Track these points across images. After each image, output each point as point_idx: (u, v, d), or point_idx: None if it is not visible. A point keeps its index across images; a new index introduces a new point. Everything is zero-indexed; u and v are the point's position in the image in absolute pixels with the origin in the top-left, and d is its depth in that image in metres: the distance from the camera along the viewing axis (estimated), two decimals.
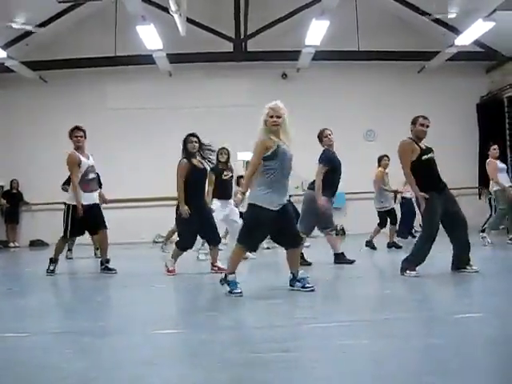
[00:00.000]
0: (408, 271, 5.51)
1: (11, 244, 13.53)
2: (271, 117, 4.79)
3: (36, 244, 13.40)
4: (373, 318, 3.82)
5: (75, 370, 2.75)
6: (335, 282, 5.99)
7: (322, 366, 2.73)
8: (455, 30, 12.94)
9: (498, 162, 8.92)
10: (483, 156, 10.89)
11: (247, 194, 4.93)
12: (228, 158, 8.20)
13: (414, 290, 5.05)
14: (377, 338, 3.22)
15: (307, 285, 4.87)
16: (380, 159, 9.33)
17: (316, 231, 7.23)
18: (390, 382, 2.45)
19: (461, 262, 5.61)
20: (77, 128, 6.86)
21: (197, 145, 6.51)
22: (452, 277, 5.42)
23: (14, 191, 13.74)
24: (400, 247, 8.93)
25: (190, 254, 7.76)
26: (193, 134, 6.56)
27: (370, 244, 9.09)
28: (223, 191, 8.03)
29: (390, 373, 2.56)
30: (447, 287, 5.08)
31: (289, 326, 3.62)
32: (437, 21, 12.98)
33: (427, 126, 5.71)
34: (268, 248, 9.49)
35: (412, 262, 5.58)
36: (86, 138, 6.91)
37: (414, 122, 5.75)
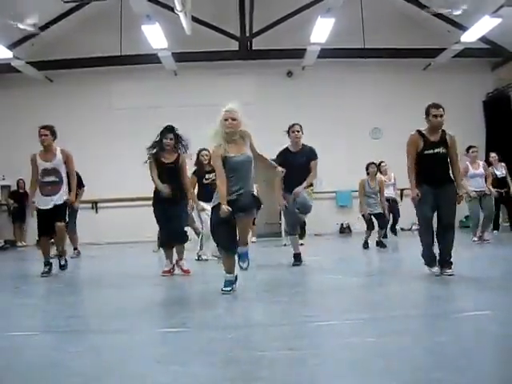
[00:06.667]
0: (428, 267, 5.49)
1: (19, 243, 13.60)
2: (226, 120, 4.76)
3: None
4: (379, 315, 3.81)
5: (82, 369, 2.75)
6: (341, 280, 5.97)
7: (327, 364, 2.73)
8: (461, 27, 12.88)
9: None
10: (490, 153, 10.83)
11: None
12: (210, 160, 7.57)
13: (420, 288, 5.04)
14: (383, 336, 3.21)
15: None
16: (367, 167, 9.13)
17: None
18: (396, 378, 2.44)
19: (440, 262, 5.42)
20: (42, 127, 6.74)
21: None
22: (458, 274, 5.39)
23: (21, 191, 13.78)
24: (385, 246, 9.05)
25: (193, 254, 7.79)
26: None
27: (380, 244, 9.09)
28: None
29: (396, 369, 2.55)
30: (454, 285, 5.06)
31: (294, 324, 3.62)
32: (442, 17, 12.93)
33: (441, 116, 5.49)
34: (285, 245, 9.56)
35: (424, 258, 5.53)
36: (54, 136, 6.78)
37: (426, 113, 5.56)
